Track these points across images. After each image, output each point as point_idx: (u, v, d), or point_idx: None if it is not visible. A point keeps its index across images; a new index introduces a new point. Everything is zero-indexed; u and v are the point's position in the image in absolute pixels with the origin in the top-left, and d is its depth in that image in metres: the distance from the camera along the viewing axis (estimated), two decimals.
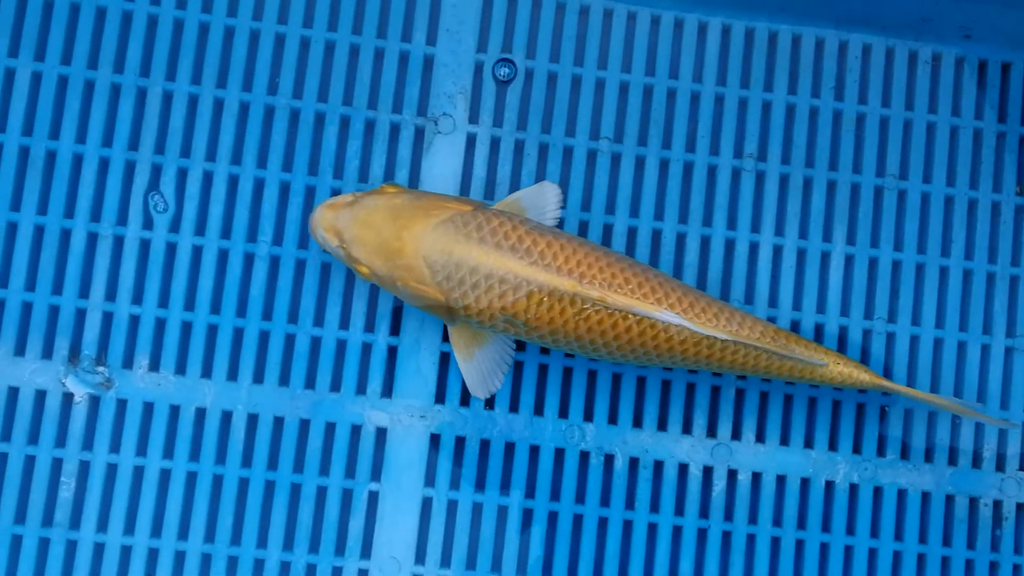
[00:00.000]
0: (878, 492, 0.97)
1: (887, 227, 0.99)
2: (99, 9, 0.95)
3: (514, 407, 0.95)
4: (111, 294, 0.93)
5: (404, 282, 0.85)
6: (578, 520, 0.94)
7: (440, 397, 0.95)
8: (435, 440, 0.94)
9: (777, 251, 0.98)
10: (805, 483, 0.96)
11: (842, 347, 0.98)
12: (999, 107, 1.01)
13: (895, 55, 1.01)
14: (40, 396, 0.92)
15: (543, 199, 0.92)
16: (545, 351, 0.95)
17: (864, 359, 0.98)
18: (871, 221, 0.99)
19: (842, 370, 0.90)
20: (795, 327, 0.98)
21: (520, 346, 0.95)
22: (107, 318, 0.93)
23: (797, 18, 1.00)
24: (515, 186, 0.97)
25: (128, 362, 0.93)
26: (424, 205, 0.85)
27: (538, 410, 0.95)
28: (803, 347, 0.89)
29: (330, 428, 0.94)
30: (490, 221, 0.85)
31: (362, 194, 0.87)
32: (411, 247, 0.84)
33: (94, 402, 0.93)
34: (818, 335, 0.98)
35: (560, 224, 0.96)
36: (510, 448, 0.95)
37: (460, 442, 0.94)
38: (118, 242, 0.94)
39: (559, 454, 0.95)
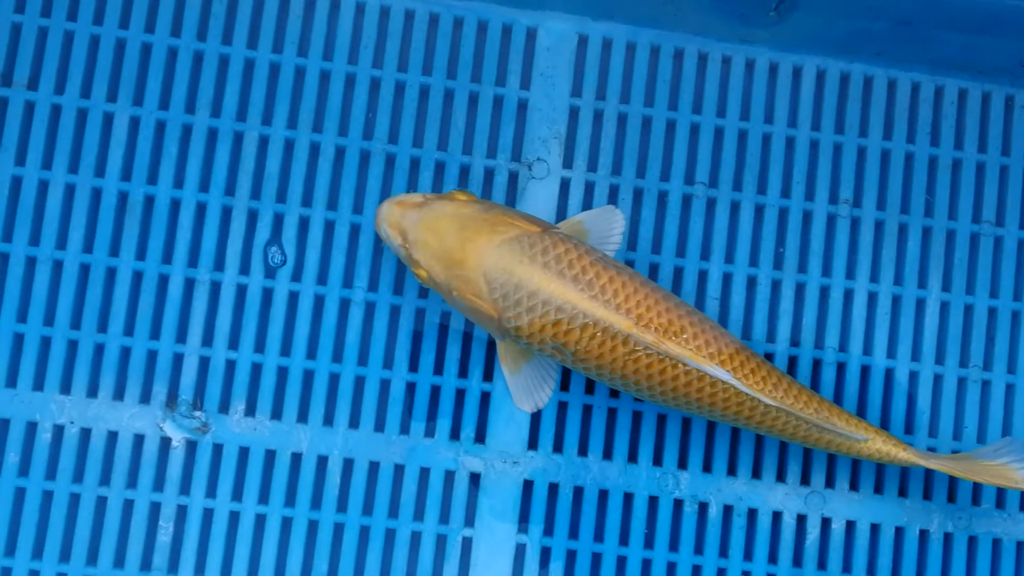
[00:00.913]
0: (972, 542, 0.96)
1: (983, 274, 0.98)
2: (196, 54, 0.95)
3: (607, 454, 0.95)
4: (208, 340, 0.94)
5: (460, 293, 0.85)
6: (672, 568, 0.94)
7: (533, 443, 0.94)
8: (528, 487, 0.94)
9: (872, 298, 0.98)
10: (899, 532, 0.96)
11: (936, 395, 0.97)
12: None
13: (991, 100, 1.00)
14: (138, 440, 0.93)
15: (606, 222, 0.91)
16: (640, 399, 0.94)
17: (959, 407, 0.97)
18: (967, 268, 0.98)
19: (880, 447, 0.88)
20: (889, 375, 0.97)
21: (614, 393, 0.95)
22: (204, 363, 0.93)
23: (892, 63, 0.99)
24: None
25: (224, 407, 0.93)
26: (492, 219, 0.85)
27: (632, 457, 0.95)
28: (844, 421, 0.88)
29: (424, 473, 0.94)
30: (556, 247, 0.84)
31: (433, 196, 0.86)
32: (473, 260, 0.83)
33: (191, 447, 0.93)
34: (912, 382, 0.97)
35: (653, 273, 0.96)
36: (604, 495, 0.94)
37: (553, 489, 0.94)
38: (215, 288, 0.94)
39: (653, 502, 0.95)
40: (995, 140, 0.99)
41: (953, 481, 0.96)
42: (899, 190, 0.99)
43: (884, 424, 0.96)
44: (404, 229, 0.85)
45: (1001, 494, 0.97)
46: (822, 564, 0.95)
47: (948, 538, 0.96)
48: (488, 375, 0.95)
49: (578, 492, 0.94)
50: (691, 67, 0.98)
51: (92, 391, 0.93)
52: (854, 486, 0.96)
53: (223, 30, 0.96)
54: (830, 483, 0.96)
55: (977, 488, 0.96)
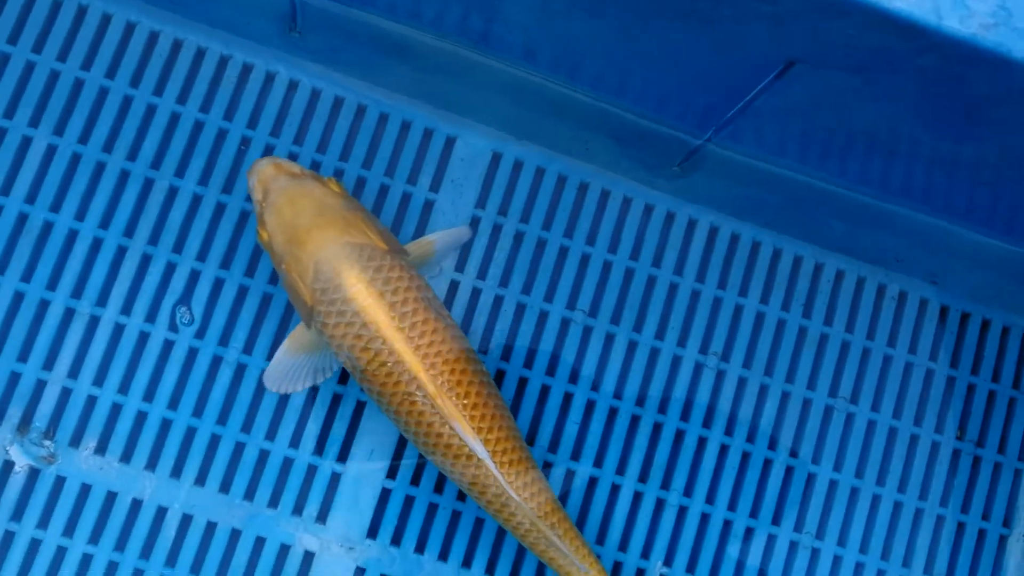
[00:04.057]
0: None
1: (831, 447, 1.03)
2: (126, 98, 0.99)
3: (444, 555, 0.96)
4: (74, 372, 0.94)
5: (288, 268, 0.86)
6: None
7: (373, 532, 0.96)
8: (360, 574, 0.95)
9: (723, 449, 1.01)
10: None
11: (767, 556, 1.00)
12: (953, 352, 1.06)
13: (865, 285, 1.06)
14: None
15: (456, 241, 0.97)
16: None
17: (786, 573, 1.00)
18: (815, 438, 1.03)
19: None
20: (727, 526, 1.00)
21: (461, 496, 0.97)
22: (65, 394, 0.94)
23: (780, 234, 1.05)
24: (487, 336, 1.00)
25: (76, 441, 0.94)
26: (348, 219, 0.86)
27: (467, 562, 0.97)
28: (575, 547, 0.89)
29: (259, 543, 0.95)
30: (392, 270, 0.86)
31: (310, 174, 0.89)
32: (312, 246, 0.85)
33: (33, 474, 0.93)
34: (747, 538, 1.00)
35: (521, 386, 0.99)
36: None
37: None
38: (93, 321, 0.95)
39: None
40: (863, 323, 1.05)
41: None
42: (767, 352, 1.04)
43: None
44: (268, 190, 0.87)
45: None
46: None
47: None
48: (343, 456, 0.96)
49: None
50: (592, 201, 1.04)
51: None
52: None
53: (156, 80, 0.99)
54: None
55: None
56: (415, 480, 0.97)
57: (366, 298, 0.85)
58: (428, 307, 0.87)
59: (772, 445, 1.02)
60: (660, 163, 1.02)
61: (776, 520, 1.01)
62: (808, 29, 0.67)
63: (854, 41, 0.66)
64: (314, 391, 0.97)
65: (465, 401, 0.86)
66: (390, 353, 0.85)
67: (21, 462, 0.93)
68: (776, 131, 0.87)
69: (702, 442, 1.01)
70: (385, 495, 0.97)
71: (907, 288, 1.06)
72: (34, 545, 0.92)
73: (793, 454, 1.02)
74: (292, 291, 0.88)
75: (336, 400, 0.97)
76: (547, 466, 0.99)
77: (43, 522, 0.92)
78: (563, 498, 0.98)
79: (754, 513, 1.01)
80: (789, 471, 1.02)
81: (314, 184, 0.88)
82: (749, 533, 1.00)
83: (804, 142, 0.88)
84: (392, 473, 0.97)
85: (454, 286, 1.01)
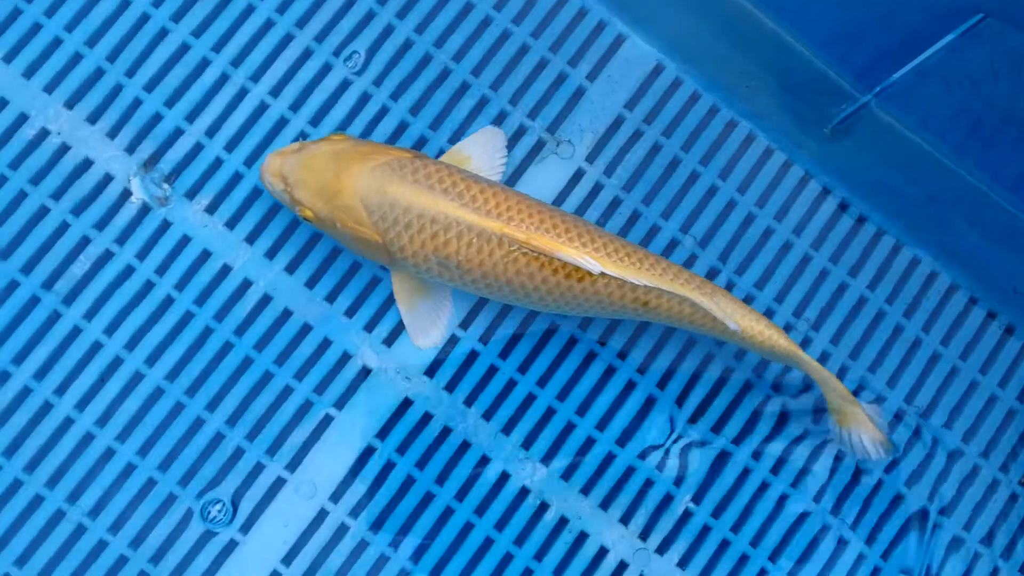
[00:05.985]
0: None
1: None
2: None
3: (488, 416, 0.98)
4: (212, 131, 0.99)
5: (343, 223, 0.88)
6: (488, 543, 0.96)
7: (431, 371, 0.98)
8: (405, 404, 0.97)
9: (783, 416, 1.01)
10: None
11: (835, 556, 0.99)
12: None
13: (974, 308, 1.04)
14: (105, 179, 0.97)
15: (489, 143, 0.97)
16: (542, 383, 0.98)
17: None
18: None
19: (755, 336, 0.90)
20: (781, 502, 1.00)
21: (522, 368, 0.98)
22: (196, 148, 0.98)
23: (905, 231, 1.04)
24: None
25: (192, 193, 0.98)
26: (364, 150, 0.88)
27: (508, 431, 0.98)
28: (727, 302, 0.89)
29: (325, 344, 0.97)
30: (426, 167, 0.88)
31: (310, 142, 0.90)
32: (349, 188, 0.87)
33: (144, 209, 0.97)
34: (818, 528, 1.00)
35: None
36: (464, 447, 0.97)
37: (426, 418, 0.97)
38: (241, 92, 1.00)
39: (503, 477, 0.97)
40: (959, 341, 1.04)
41: None
42: (858, 336, 1.03)
43: None
44: (284, 174, 0.89)
45: None
46: None
47: None
48: None
49: (445, 432, 0.97)
50: (736, 140, 1.04)
51: (93, 119, 0.98)
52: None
53: None
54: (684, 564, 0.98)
55: None
56: (484, 339, 0.99)
57: (420, 196, 0.86)
58: (475, 180, 0.89)
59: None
60: (815, 120, 1.03)
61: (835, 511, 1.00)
62: None
63: None
64: None
65: (556, 231, 0.87)
66: (469, 230, 0.86)
67: (138, 195, 0.97)
68: (947, 102, 0.87)
69: (783, 416, 1.01)
70: (453, 341, 0.98)
71: (1017, 323, 1.04)
72: (127, 271, 0.96)
73: None
74: (362, 243, 0.89)
75: None
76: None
77: (140, 255, 0.97)
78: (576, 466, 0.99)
79: (817, 496, 1.00)
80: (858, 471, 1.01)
81: (318, 145, 0.90)
82: (824, 530, 0.99)
83: (973, 122, 0.87)
84: (466, 324, 0.99)
85: (579, 175, 1.02)
